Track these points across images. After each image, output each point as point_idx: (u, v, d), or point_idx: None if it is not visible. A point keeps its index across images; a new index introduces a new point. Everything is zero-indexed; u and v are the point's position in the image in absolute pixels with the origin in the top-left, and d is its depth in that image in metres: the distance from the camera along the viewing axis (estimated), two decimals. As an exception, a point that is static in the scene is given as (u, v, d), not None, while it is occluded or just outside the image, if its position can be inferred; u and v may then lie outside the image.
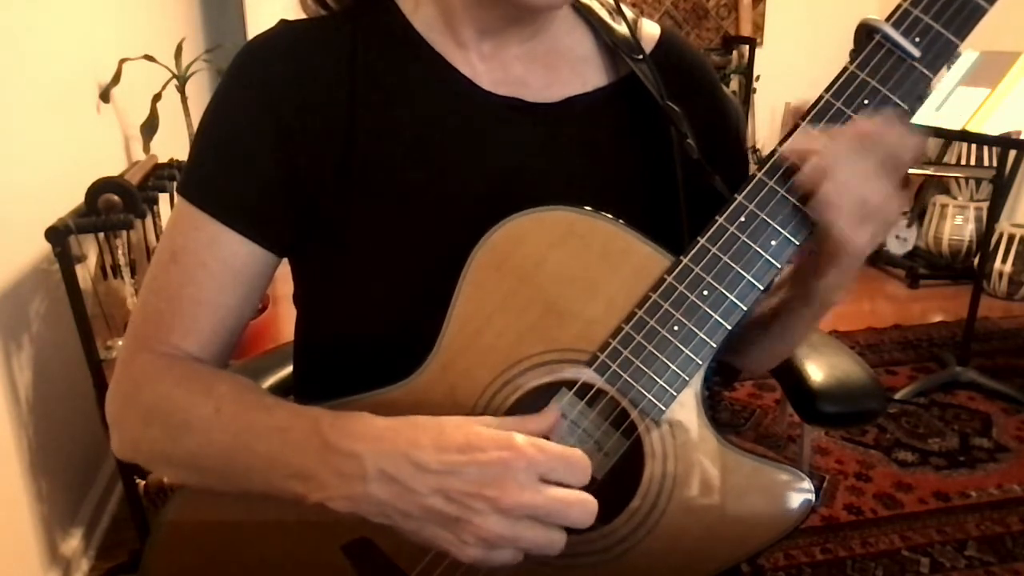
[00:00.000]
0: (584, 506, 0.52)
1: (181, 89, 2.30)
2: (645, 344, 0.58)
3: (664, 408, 0.58)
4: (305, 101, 0.63)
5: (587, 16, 0.72)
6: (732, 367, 0.75)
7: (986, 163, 3.31)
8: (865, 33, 0.57)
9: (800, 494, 0.62)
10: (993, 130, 2.07)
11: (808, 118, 0.57)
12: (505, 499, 0.50)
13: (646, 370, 0.58)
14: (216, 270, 0.64)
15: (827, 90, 0.57)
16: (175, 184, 1.84)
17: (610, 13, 0.72)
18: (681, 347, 0.58)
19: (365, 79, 0.64)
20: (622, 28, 0.71)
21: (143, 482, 1.56)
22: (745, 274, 0.58)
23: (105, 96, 2.04)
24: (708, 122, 0.72)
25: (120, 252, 1.57)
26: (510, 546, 0.52)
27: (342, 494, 0.54)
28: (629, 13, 0.72)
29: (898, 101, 0.56)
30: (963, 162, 3.39)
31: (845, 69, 0.57)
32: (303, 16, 0.69)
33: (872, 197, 0.55)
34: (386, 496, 0.53)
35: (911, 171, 3.22)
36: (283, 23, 0.67)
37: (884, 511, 1.90)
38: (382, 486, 0.53)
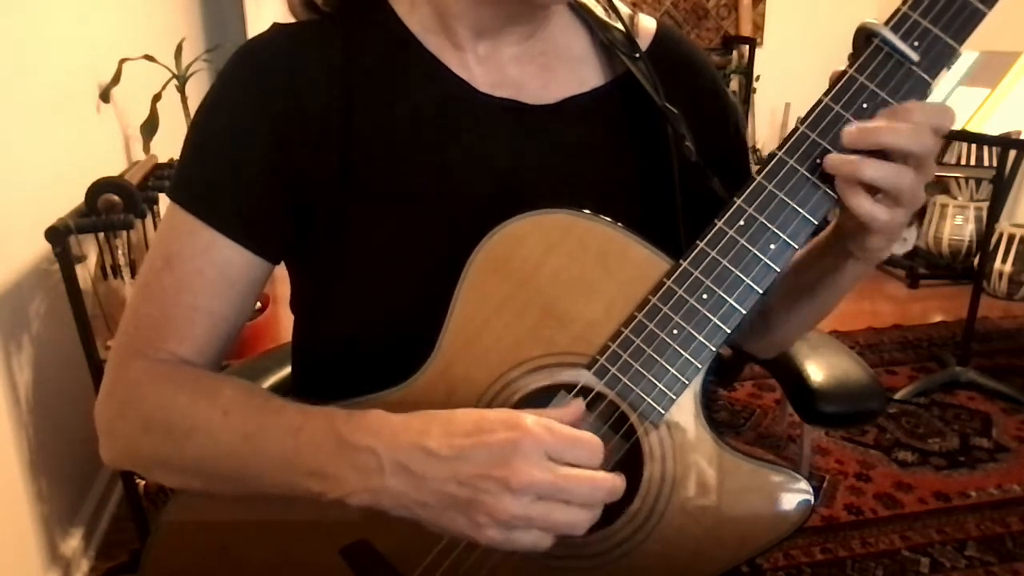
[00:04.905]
0: (595, 483, 0.52)
1: (181, 89, 2.29)
2: (644, 347, 0.58)
3: (663, 411, 0.58)
4: (301, 104, 0.63)
5: (582, 14, 0.71)
6: (733, 366, 0.75)
7: (986, 163, 3.30)
8: (864, 37, 0.56)
9: (799, 497, 0.62)
10: (993, 130, 2.07)
11: (807, 122, 0.57)
12: (514, 479, 0.51)
13: (645, 373, 0.58)
14: (212, 277, 0.64)
15: (826, 94, 0.57)
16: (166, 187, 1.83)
17: (606, 10, 0.72)
18: (680, 350, 0.58)
19: (361, 82, 0.64)
20: (618, 25, 0.70)
21: (143, 482, 1.56)
22: (744, 277, 0.58)
23: (105, 96, 2.03)
24: (707, 118, 0.72)
25: (120, 252, 1.57)
26: (528, 526, 0.52)
27: (362, 488, 0.54)
28: (625, 9, 0.71)
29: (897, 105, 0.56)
30: (963, 162, 3.38)
31: (844, 73, 0.57)
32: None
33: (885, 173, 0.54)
34: (403, 487, 0.53)
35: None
36: (276, 26, 0.66)
37: (884, 511, 1.90)
38: (398, 477, 0.53)
